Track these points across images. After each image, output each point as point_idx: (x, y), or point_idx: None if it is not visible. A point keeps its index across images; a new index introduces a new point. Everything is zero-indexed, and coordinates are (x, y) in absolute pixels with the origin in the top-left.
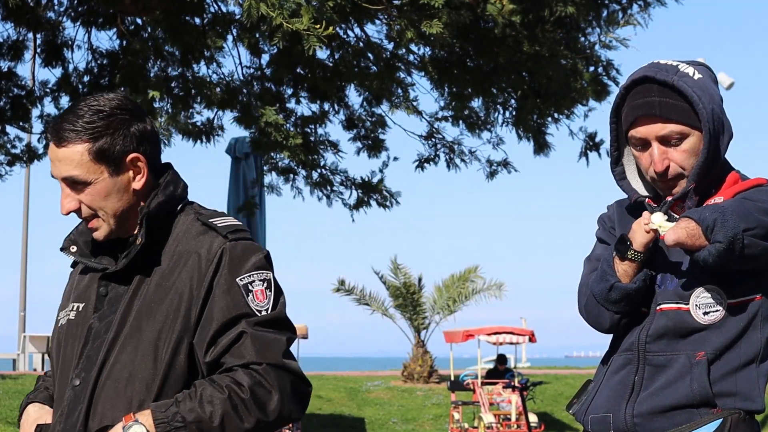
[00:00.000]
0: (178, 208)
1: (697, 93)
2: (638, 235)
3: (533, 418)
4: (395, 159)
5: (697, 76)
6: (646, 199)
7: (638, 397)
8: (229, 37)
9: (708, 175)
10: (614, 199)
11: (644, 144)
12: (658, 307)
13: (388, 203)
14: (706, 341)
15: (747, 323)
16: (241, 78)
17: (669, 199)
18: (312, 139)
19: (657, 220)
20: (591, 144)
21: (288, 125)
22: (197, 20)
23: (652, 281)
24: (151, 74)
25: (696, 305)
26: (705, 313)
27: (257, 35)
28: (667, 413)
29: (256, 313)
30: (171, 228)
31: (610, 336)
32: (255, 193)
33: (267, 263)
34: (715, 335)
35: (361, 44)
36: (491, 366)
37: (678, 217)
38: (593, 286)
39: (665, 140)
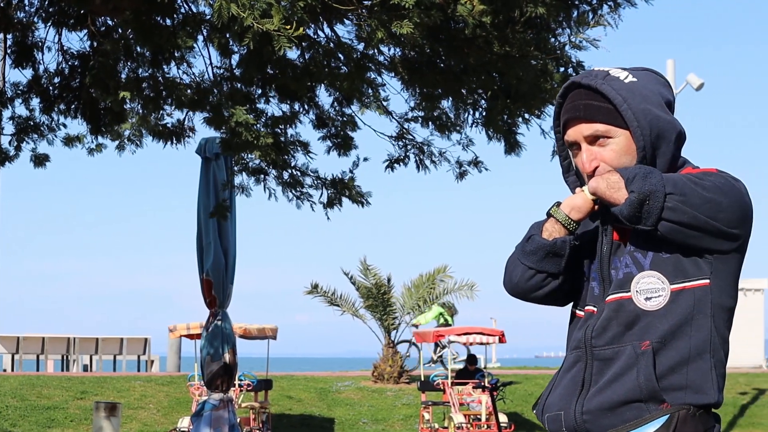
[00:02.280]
0: None
1: (621, 94)
2: (572, 196)
3: (503, 418)
4: (365, 159)
5: (630, 79)
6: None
7: (587, 393)
8: (200, 38)
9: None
10: None
11: (579, 147)
12: (604, 303)
13: (361, 200)
14: (651, 329)
15: (693, 309)
16: (212, 78)
17: None
18: (282, 139)
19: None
20: None
21: (258, 125)
22: (168, 21)
23: (608, 284)
24: (122, 75)
25: (637, 291)
26: (647, 299)
27: (228, 36)
28: (616, 410)
29: None
30: None
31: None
32: (226, 196)
33: None
34: (659, 321)
35: (332, 44)
36: (461, 366)
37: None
38: (518, 244)
39: (593, 140)
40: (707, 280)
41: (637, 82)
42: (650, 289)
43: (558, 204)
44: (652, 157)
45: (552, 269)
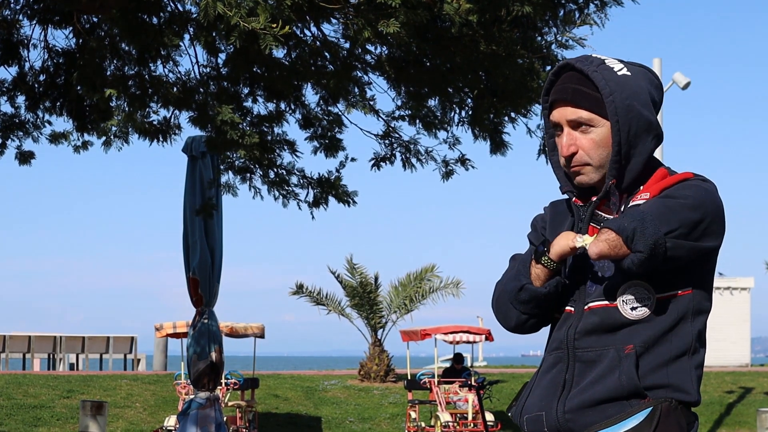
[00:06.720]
0: None
1: (610, 86)
2: (558, 245)
3: (490, 417)
4: (353, 159)
5: (623, 72)
6: (573, 199)
7: (569, 394)
8: (186, 36)
9: (629, 170)
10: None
11: (561, 129)
12: (585, 307)
13: (347, 199)
14: (635, 335)
15: (677, 317)
16: (198, 77)
17: (594, 199)
18: (269, 138)
19: (580, 241)
20: None
21: (244, 124)
22: (154, 19)
23: (583, 283)
24: (108, 73)
25: (623, 301)
26: (633, 309)
27: (214, 34)
28: (598, 407)
29: None
30: None
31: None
32: (212, 195)
33: None
34: (644, 328)
35: (318, 43)
36: (448, 365)
37: (603, 215)
38: (506, 283)
39: (575, 126)
40: (690, 289)
41: (630, 76)
42: (636, 299)
43: (546, 249)
44: (627, 154)
45: (547, 310)
